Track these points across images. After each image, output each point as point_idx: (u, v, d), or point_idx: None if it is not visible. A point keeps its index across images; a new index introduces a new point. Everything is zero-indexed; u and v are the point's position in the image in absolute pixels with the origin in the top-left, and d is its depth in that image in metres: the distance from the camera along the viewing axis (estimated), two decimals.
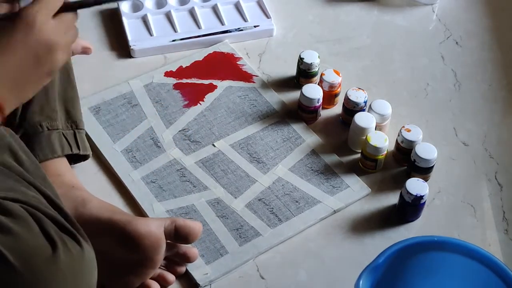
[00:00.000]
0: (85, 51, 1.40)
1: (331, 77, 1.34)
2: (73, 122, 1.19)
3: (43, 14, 0.83)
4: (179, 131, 1.31)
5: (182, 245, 1.10)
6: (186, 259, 1.10)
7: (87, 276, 0.86)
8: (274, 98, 1.38)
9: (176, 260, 1.11)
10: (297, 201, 1.22)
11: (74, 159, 1.21)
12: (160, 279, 1.09)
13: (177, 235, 1.06)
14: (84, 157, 1.22)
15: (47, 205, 0.87)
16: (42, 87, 0.87)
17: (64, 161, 1.17)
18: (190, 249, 1.10)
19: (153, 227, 1.04)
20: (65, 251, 0.82)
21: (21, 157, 0.92)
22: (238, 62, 1.44)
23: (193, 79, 1.40)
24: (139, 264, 1.05)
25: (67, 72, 1.18)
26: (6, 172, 0.87)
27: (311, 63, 1.36)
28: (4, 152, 0.90)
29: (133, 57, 1.44)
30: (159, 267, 1.09)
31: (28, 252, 0.80)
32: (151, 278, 1.09)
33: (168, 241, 1.07)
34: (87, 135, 1.25)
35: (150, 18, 1.49)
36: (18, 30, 0.82)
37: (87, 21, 1.51)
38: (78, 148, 1.19)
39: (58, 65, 0.86)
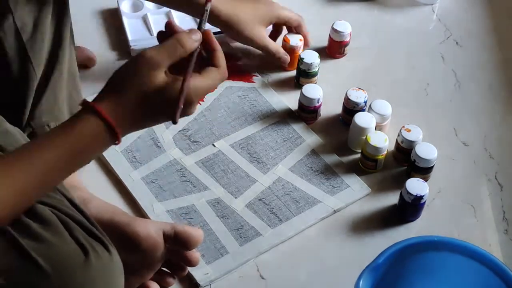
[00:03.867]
0: (90, 62, 1.41)
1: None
2: None
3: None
4: (179, 131, 1.31)
5: None
6: (187, 262, 1.09)
7: (116, 281, 0.86)
8: (274, 98, 1.38)
9: (178, 263, 1.11)
10: (297, 201, 1.22)
11: None
12: (160, 281, 1.09)
13: (176, 241, 1.06)
14: None
15: (72, 209, 0.87)
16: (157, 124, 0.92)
17: None
18: (192, 253, 1.09)
19: (152, 230, 1.04)
20: (95, 257, 0.82)
21: None
22: (238, 62, 1.44)
23: None
24: (139, 265, 1.04)
25: (73, 77, 1.18)
26: None
27: (311, 63, 1.36)
28: None
29: None
30: (161, 269, 1.09)
31: (61, 259, 0.80)
32: (152, 279, 1.09)
33: (168, 245, 1.06)
34: None
35: (150, 18, 1.49)
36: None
37: (87, 21, 1.51)
38: None
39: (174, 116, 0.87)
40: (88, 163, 0.88)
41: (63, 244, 0.81)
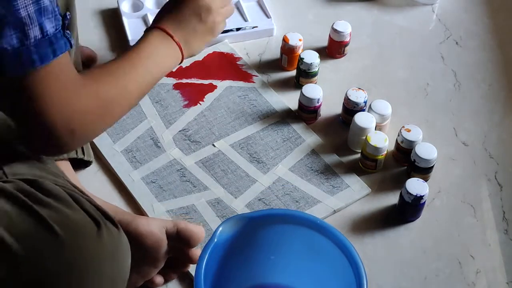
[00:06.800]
0: (91, 61, 1.41)
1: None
2: None
3: None
4: (179, 131, 1.31)
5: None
6: (189, 259, 1.10)
7: (125, 258, 0.88)
8: (274, 98, 1.38)
9: (180, 260, 1.11)
10: (297, 201, 1.22)
11: (76, 163, 1.21)
12: (163, 276, 1.10)
13: (179, 238, 1.06)
14: (86, 163, 1.23)
15: (77, 191, 0.88)
16: (205, 44, 1.11)
17: (67, 164, 1.16)
18: (194, 250, 1.10)
19: (154, 227, 1.04)
20: (107, 230, 0.84)
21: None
22: (238, 62, 1.44)
23: (193, 79, 1.40)
24: (142, 263, 1.05)
25: None
26: (29, 162, 0.88)
27: (311, 63, 1.36)
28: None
29: None
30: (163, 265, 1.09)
31: (75, 227, 0.82)
32: None
33: (170, 242, 1.07)
34: None
35: (150, 18, 1.49)
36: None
37: (87, 21, 1.51)
38: (83, 153, 1.19)
39: (217, 26, 1.11)
40: (162, 75, 1.03)
41: (77, 215, 0.83)
